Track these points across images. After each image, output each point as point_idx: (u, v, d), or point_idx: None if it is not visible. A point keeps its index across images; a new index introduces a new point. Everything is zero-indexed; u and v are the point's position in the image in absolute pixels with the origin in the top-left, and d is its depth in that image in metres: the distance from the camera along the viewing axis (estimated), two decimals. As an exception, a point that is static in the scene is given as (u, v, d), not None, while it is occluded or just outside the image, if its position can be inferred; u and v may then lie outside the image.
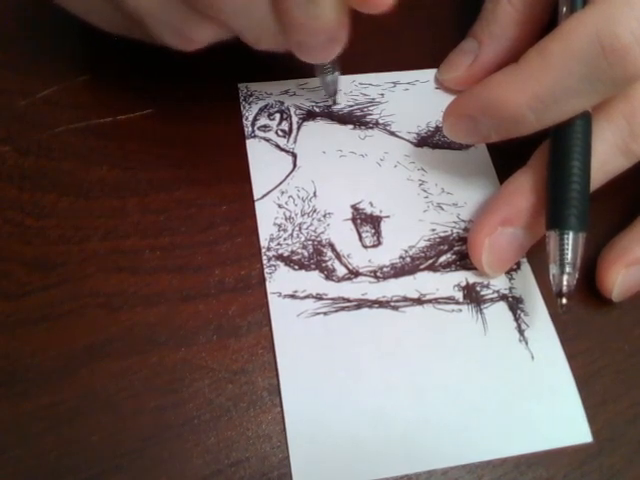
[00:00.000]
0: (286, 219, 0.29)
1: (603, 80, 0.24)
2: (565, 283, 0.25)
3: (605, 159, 0.27)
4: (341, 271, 0.28)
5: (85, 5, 0.28)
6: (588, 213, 0.25)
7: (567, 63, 0.24)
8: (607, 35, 0.23)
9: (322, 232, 0.29)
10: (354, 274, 0.28)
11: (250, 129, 0.31)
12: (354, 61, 0.31)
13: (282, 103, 0.32)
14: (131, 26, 0.27)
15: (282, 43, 0.26)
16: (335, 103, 0.33)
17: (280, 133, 0.31)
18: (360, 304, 0.27)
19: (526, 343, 0.27)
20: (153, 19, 0.25)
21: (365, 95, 0.33)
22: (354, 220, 0.29)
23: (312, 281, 0.28)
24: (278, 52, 0.27)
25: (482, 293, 0.28)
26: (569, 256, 0.25)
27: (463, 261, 0.29)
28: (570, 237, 0.25)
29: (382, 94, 0.33)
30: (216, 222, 0.29)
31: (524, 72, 0.25)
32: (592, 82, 0.24)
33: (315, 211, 0.29)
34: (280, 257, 0.28)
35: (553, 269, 0.26)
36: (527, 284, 0.29)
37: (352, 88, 0.33)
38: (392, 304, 0.28)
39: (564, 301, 0.25)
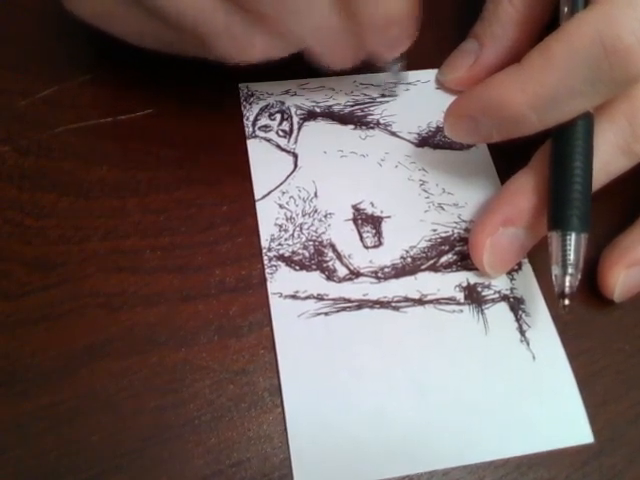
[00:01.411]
0: (287, 219, 0.29)
1: (605, 81, 0.24)
2: (567, 284, 0.25)
3: (607, 159, 0.27)
4: (342, 271, 0.28)
5: (112, 20, 0.27)
6: (590, 214, 0.25)
7: (569, 64, 0.24)
8: (609, 36, 0.23)
9: (323, 232, 0.29)
10: (355, 274, 0.28)
11: (251, 129, 0.31)
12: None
13: (283, 103, 0.32)
14: (176, 41, 0.26)
15: (356, 50, 0.26)
16: (395, 94, 0.33)
17: (281, 133, 0.31)
18: (361, 304, 0.27)
19: (527, 344, 0.27)
20: (208, 28, 0.24)
21: (366, 95, 0.33)
22: (355, 220, 0.29)
23: (313, 281, 0.28)
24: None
25: (483, 293, 0.28)
26: (571, 257, 0.25)
27: (464, 261, 0.29)
28: (572, 238, 0.25)
29: (383, 94, 0.33)
30: (217, 222, 0.29)
31: (526, 72, 0.25)
32: (594, 83, 0.24)
33: (316, 211, 0.29)
34: (281, 257, 0.28)
35: (555, 270, 0.25)
36: (528, 284, 0.29)
37: (353, 88, 0.33)
38: (393, 304, 0.28)
39: (566, 302, 0.25)
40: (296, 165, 0.31)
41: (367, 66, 0.30)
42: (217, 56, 0.26)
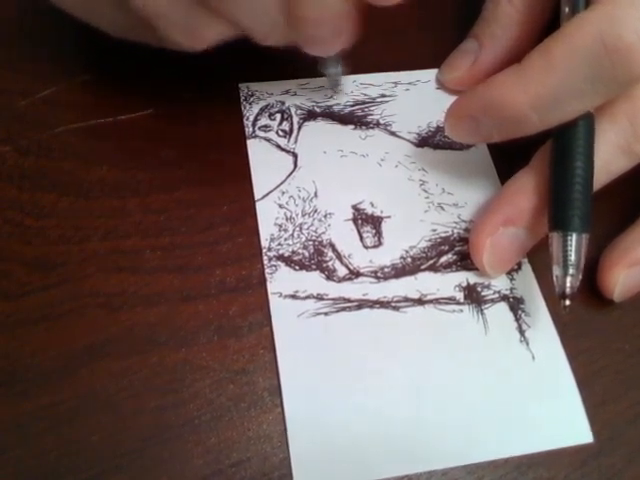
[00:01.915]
0: (287, 219, 0.29)
1: (606, 81, 0.24)
2: (568, 284, 0.25)
3: (608, 160, 0.27)
4: (342, 271, 0.28)
5: (86, 7, 0.27)
6: (591, 214, 0.25)
7: (570, 64, 0.24)
8: (611, 36, 0.23)
9: (323, 232, 0.29)
10: (355, 274, 0.28)
11: (251, 129, 0.31)
12: (355, 61, 0.31)
13: (283, 103, 0.32)
14: (136, 27, 0.27)
15: (288, 38, 0.26)
16: (335, 94, 0.33)
17: (281, 133, 0.31)
18: (361, 304, 0.27)
19: (527, 343, 0.27)
20: (161, 17, 0.25)
21: (366, 95, 0.33)
22: (355, 220, 0.29)
23: (313, 281, 0.28)
24: (280, 49, 0.27)
25: (483, 293, 0.28)
26: (572, 257, 0.25)
27: (464, 261, 0.29)
28: (573, 238, 0.25)
29: (383, 94, 0.33)
30: (217, 222, 0.29)
31: (527, 72, 0.25)
32: (595, 83, 0.24)
33: (316, 211, 0.29)
34: (281, 257, 0.28)
35: (556, 270, 0.25)
36: (528, 284, 0.29)
37: (353, 88, 0.33)
38: (393, 304, 0.28)
39: (567, 302, 0.25)
40: (296, 165, 0.31)
41: (370, 67, 0.30)
42: (168, 43, 0.26)
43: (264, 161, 0.30)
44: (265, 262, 0.28)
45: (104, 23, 0.28)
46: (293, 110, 0.32)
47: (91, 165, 0.30)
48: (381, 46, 0.35)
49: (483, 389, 0.26)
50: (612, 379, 0.27)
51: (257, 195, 0.30)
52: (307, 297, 0.27)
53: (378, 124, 0.32)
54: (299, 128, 0.32)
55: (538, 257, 0.29)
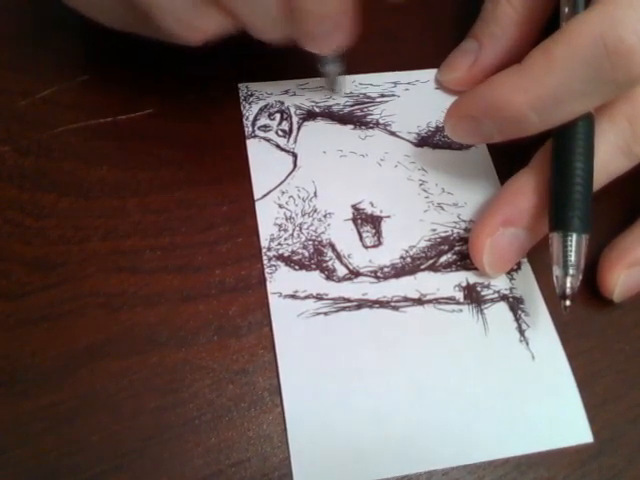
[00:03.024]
0: (286, 219, 0.29)
1: (606, 82, 0.24)
2: (569, 285, 0.25)
3: (607, 160, 0.27)
4: (342, 271, 0.28)
5: (89, 2, 0.27)
6: (591, 215, 0.25)
7: (571, 65, 0.24)
8: (611, 36, 0.23)
9: (322, 232, 0.29)
10: (355, 274, 0.28)
11: (250, 129, 0.31)
12: (355, 61, 0.31)
13: (282, 103, 0.32)
14: (134, 19, 0.27)
15: (287, 33, 0.26)
16: (334, 94, 0.33)
17: (280, 133, 0.31)
18: (361, 304, 0.27)
19: (527, 343, 0.27)
20: (159, 8, 0.25)
21: (365, 95, 0.33)
22: (355, 220, 0.29)
23: (313, 281, 0.28)
24: (279, 47, 0.27)
25: (483, 293, 0.28)
26: (572, 258, 0.25)
27: (464, 261, 0.29)
28: (574, 239, 0.25)
29: (382, 94, 0.33)
30: (216, 222, 0.29)
31: (527, 73, 0.25)
32: (595, 84, 0.24)
33: (315, 211, 0.29)
34: (281, 257, 0.28)
35: (556, 271, 0.25)
36: (528, 284, 0.29)
37: (352, 88, 0.33)
38: (393, 304, 0.28)
39: (568, 303, 0.25)
40: (295, 165, 0.31)
41: (370, 67, 0.30)
42: (164, 34, 0.26)
43: (264, 161, 0.30)
44: (265, 262, 0.28)
45: (105, 16, 0.28)
46: (292, 110, 0.32)
47: (91, 165, 0.30)
48: (381, 46, 0.35)
49: (483, 389, 0.26)
50: (612, 379, 0.27)
51: (257, 195, 0.30)
52: (307, 297, 0.27)
53: (378, 124, 0.32)
54: (299, 128, 0.32)
55: (538, 257, 0.29)
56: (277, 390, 0.26)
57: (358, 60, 0.31)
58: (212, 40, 0.26)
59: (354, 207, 0.30)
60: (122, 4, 0.26)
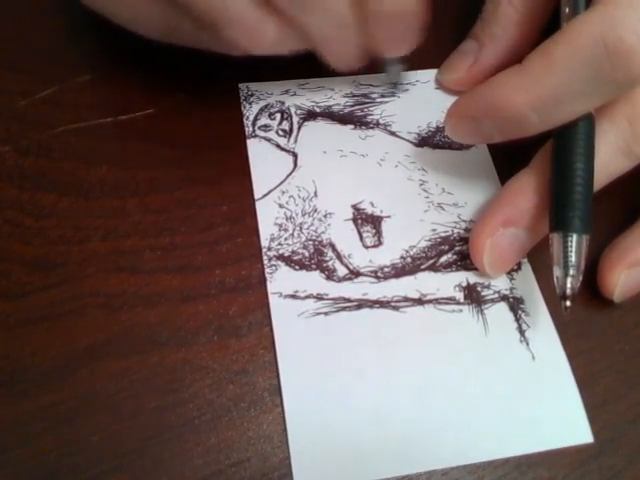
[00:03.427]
0: (287, 219, 0.29)
1: (607, 82, 0.24)
2: (569, 285, 0.25)
3: (608, 161, 0.27)
4: (342, 271, 0.28)
5: (132, 11, 0.27)
6: (592, 215, 0.25)
7: (571, 65, 0.24)
8: (611, 37, 0.23)
9: (323, 232, 0.29)
10: (355, 274, 0.28)
11: (251, 129, 0.31)
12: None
13: (283, 103, 0.32)
14: (180, 27, 0.26)
15: (357, 41, 0.26)
16: (397, 90, 0.33)
17: (281, 133, 0.31)
18: (361, 304, 0.27)
19: (527, 343, 0.27)
20: (224, 17, 0.24)
21: (366, 95, 0.33)
22: (355, 220, 0.29)
23: (313, 281, 0.28)
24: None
25: (483, 293, 0.28)
26: (573, 258, 0.25)
27: (464, 261, 0.29)
28: (574, 239, 0.25)
29: (383, 94, 0.33)
30: (216, 222, 0.29)
31: (528, 73, 0.25)
32: (596, 84, 0.24)
33: (316, 211, 0.29)
34: (281, 257, 0.28)
35: (557, 271, 0.25)
36: (528, 284, 0.29)
37: (353, 88, 0.33)
38: (393, 304, 0.28)
39: (568, 303, 0.25)
40: (296, 165, 0.31)
41: (370, 68, 0.30)
42: (225, 44, 0.26)
43: (264, 161, 0.30)
44: (265, 262, 0.28)
45: (142, 24, 0.28)
46: (293, 110, 0.32)
47: (91, 165, 0.30)
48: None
49: (483, 389, 0.26)
50: (612, 379, 0.27)
51: (257, 195, 0.30)
52: (307, 297, 0.27)
53: (378, 124, 0.32)
54: (299, 128, 0.32)
55: (538, 257, 0.29)
56: (277, 390, 0.26)
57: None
58: (278, 55, 0.27)
59: (354, 207, 0.30)
60: (170, 11, 0.25)
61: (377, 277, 0.28)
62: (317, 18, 0.25)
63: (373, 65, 0.30)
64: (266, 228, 0.29)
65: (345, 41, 0.26)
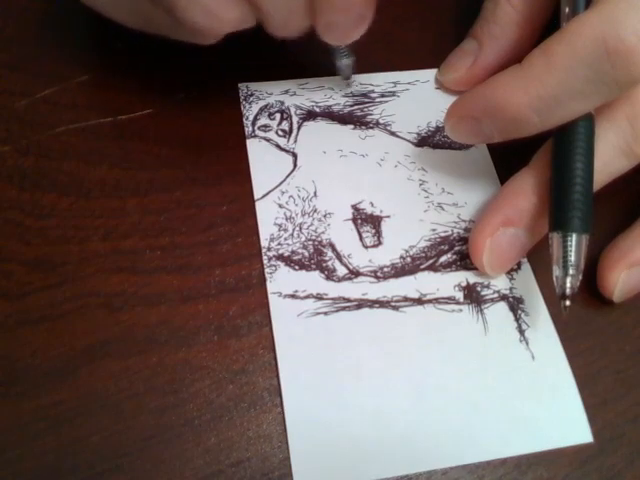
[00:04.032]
0: (286, 219, 0.29)
1: (607, 82, 0.24)
2: (568, 285, 0.25)
3: (607, 160, 0.27)
4: (341, 271, 0.28)
5: None
6: (592, 215, 0.25)
7: (571, 65, 0.24)
8: (611, 37, 0.23)
9: (322, 232, 0.29)
10: (354, 274, 0.28)
11: (250, 129, 0.31)
12: (355, 61, 0.31)
13: (282, 103, 0.32)
14: (154, 13, 0.26)
15: (306, 25, 0.26)
16: (349, 86, 0.33)
17: (280, 133, 0.31)
18: (360, 304, 0.27)
19: (527, 343, 0.27)
20: None
21: (366, 95, 0.33)
22: (354, 220, 0.29)
23: (312, 281, 0.28)
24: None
25: (483, 293, 0.28)
26: (572, 258, 0.25)
27: (464, 261, 0.29)
28: (574, 239, 0.25)
29: (382, 94, 0.33)
30: (216, 222, 0.29)
31: (528, 73, 0.25)
32: (596, 84, 0.24)
33: (315, 211, 0.29)
34: (280, 257, 0.28)
35: (556, 271, 0.26)
36: (528, 284, 0.29)
37: (352, 88, 0.33)
38: (392, 304, 0.28)
39: (567, 303, 0.25)
40: (295, 165, 0.31)
41: (371, 67, 0.30)
42: (186, 28, 0.26)
43: (264, 161, 0.30)
44: (265, 262, 0.28)
45: (121, 13, 0.28)
46: (293, 110, 0.32)
47: (91, 165, 0.30)
48: (381, 46, 0.35)
49: (483, 389, 0.26)
50: (612, 379, 0.27)
51: (257, 195, 0.30)
52: (307, 297, 0.27)
53: (378, 124, 0.32)
54: (299, 128, 0.32)
55: (538, 257, 0.29)
56: (277, 390, 0.26)
57: (358, 60, 0.32)
58: (228, 34, 0.26)
59: (354, 207, 0.30)
60: (142, 1, 0.26)
61: (377, 277, 0.28)
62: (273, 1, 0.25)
63: (372, 65, 0.30)
64: (266, 228, 0.29)
65: (295, 23, 0.26)
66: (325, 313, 0.27)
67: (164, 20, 0.26)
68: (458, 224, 0.30)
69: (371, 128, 0.32)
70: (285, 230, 0.29)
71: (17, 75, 0.32)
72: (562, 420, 0.26)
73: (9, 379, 0.25)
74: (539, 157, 0.28)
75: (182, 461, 0.24)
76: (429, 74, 0.34)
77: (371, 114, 0.32)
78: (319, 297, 0.27)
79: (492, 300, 0.28)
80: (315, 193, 0.30)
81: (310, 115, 0.32)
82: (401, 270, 0.28)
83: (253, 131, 0.31)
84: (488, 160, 0.32)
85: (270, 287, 0.27)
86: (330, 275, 0.28)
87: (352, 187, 0.30)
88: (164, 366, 0.26)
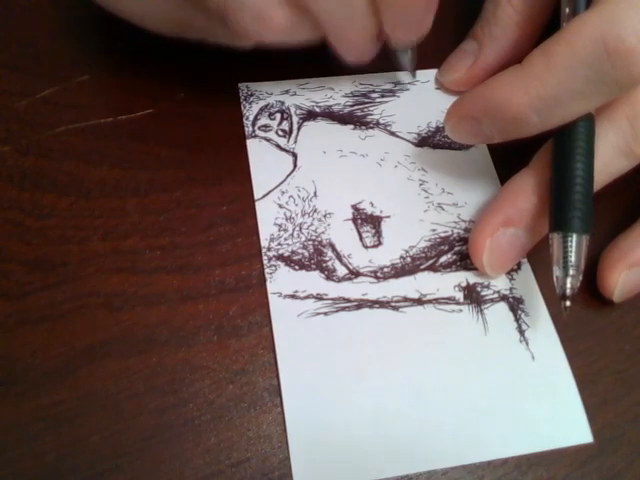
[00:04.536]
0: (286, 219, 0.29)
1: (607, 82, 0.24)
2: (569, 285, 0.25)
3: (607, 161, 0.27)
4: (341, 271, 0.28)
5: (144, 7, 0.27)
6: (592, 215, 0.25)
7: (571, 65, 0.24)
8: (611, 37, 0.23)
9: (322, 232, 0.29)
10: (354, 274, 0.28)
11: (250, 129, 0.31)
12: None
13: (283, 103, 0.32)
14: (192, 20, 0.26)
15: (370, 28, 0.26)
16: (414, 77, 0.33)
17: (280, 133, 0.31)
18: (360, 304, 0.27)
19: (527, 343, 0.27)
20: (234, 2, 0.24)
21: (366, 95, 0.33)
22: (355, 220, 0.29)
23: (312, 281, 0.28)
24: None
25: (483, 293, 0.28)
26: (573, 258, 0.25)
27: (464, 261, 0.29)
28: (574, 239, 0.25)
29: (383, 94, 0.33)
30: (216, 222, 0.29)
31: (528, 73, 0.25)
32: (596, 84, 0.24)
33: (315, 211, 0.29)
34: (280, 257, 0.28)
35: (556, 271, 0.26)
36: (528, 284, 0.29)
37: (353, 88, 0.33)
38: (392, 304, 0.28)
39: (568, 303, 0.25)
40: (295, 165, 0.31)
41: (371, 67, 0.30)
42: (234, 32, 0.26)
43: (264, 161, 0.30)
44: (265, 262, 0.28)
45: (153, 19, 0.28)
46: (293, 110, 0.32)
47: (91, 165, 0.30)
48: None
49: (483, 389, 0.26)
50: (612, 379, 0.27)
51: (257, 195, 0.30)
52: (307, 297, 0.27)
53: (378, 124, 0.32)
54: (299, 128, 0.32)
55: (538, 257, 0.29)
56: (277, 390, 0.26)
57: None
58: (288, 48, 0.27)
59: (354, 207, 0.30)
60: (187, 7, 0.25)
61: (377, 277, 0.28)
62: (329, 4, 0.25)
63: (374, 64, 0.30)
64: (266, 228, 0.29)
65: (357, 29, 0.26)
66: (325, 313, 0.27)
67: (204, 24, 0.26)
68: (458, 224, 0.30)
69: (371, 128, 0.32)
70: (285, 230, 0.29)
71: (17, 75, 0.32)
72: (562, 420, 0.26)
73: (9, 379, 0.25)
74: (539, 157, 0.28)
75: (182, 461, 0.24)
76: (429, 74, 0.34)
77: (371, 114, 0.32)
78: (319, 297, 0.27)
79: (492, 300, 0.28)
80: (315, 193, 0.30)
81: (310, 115, 0.32)
82: (401, 270, 0.28)
83: (253, 131, 0.31)
84: (488, 160, 0.32)
85: (270, 287, 0.27)
86: (330, 275, 0.28)
87: (352, 187, 0.30)
88: (164, 366, 0.26)
